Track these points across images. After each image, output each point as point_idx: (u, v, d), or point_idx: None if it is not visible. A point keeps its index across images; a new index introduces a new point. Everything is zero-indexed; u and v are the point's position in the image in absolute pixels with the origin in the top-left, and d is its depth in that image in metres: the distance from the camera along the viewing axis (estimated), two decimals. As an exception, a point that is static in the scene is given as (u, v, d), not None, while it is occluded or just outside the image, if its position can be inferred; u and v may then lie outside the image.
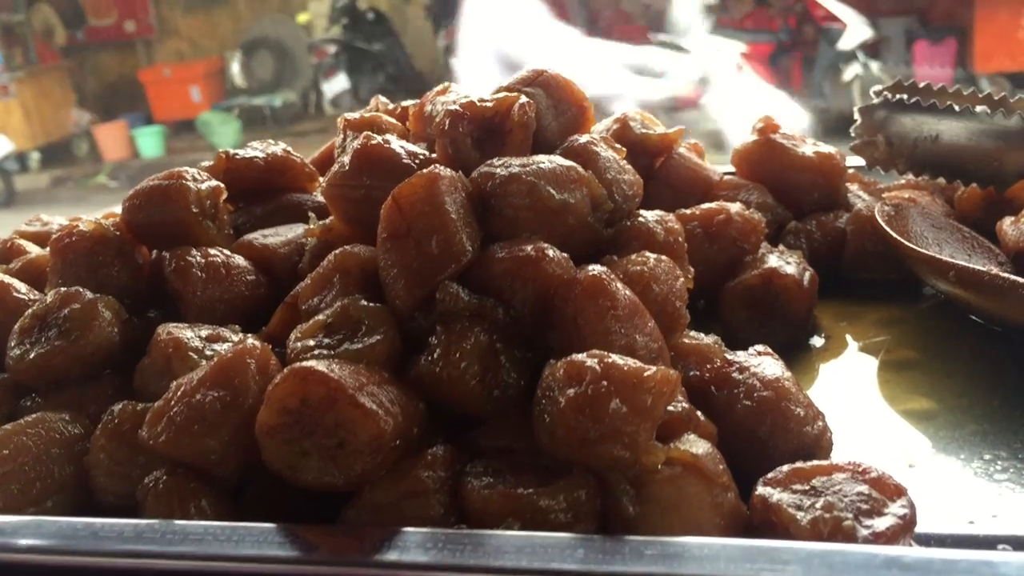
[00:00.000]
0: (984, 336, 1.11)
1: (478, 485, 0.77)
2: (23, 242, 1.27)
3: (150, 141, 12.67)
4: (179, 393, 0.84)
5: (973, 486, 0.84)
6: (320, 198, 1.24)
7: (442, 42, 12.42)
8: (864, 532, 0.70)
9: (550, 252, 0.90)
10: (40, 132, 12.94)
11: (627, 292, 0.87)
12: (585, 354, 0.78)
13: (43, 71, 13.39)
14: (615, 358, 0.77)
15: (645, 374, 0.75)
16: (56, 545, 0.74)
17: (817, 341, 1.16)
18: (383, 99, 1.39)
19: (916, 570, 0.61)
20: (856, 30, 9.25)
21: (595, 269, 0.87)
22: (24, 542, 0.75)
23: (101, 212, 1.42)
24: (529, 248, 0.90)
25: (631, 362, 0.77)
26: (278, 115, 13.32)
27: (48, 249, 1.17)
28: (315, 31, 13.43)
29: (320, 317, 0.90)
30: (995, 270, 1.05)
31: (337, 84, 12.55)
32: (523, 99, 1.04)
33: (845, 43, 9.41)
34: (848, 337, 1.15)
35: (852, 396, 1.03)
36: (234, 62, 14.03)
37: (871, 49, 9.68)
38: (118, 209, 1.17)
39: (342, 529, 0.76)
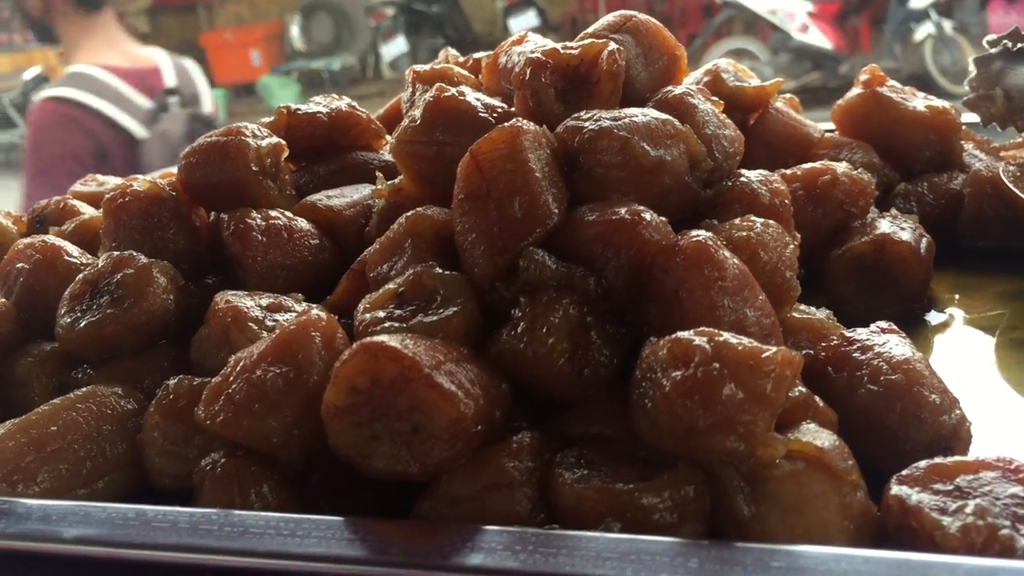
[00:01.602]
0: None
1: (571, 478, 0.68)
2: (76, 203, 1.21)
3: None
4: (238, 368, 0.77)
5: None
6: (387, 157, 1.15)
7: (500, 3, 12.26)
8: (1025, 543, 0.60)
9: (647, 215, 0.80)
10: (104, 96, 13.10)
11: (735, 261, 0.77)
12: (692, 332, 0.68)
13: (106, 35, 13.52)
14: (727, 336, 0.67)
15: (763, 355, 0.66)
16: (105, 536, 0.67)
17: (932, 316, 1.04)
18: (453, 51, 1.30)
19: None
20: (928, -13, 8.92)
21: (699, 235, 0.77)
22: (71, 532, 0.68)
23: (159, 172, 1.35)
24: (623, 211, 0.80)
25: (746, 341, 0.67)
26: (336, 78, 13.33)
27: (102, 210, 1.10)
28: (374, -7, 13.36)
29: (391, 286, 0.82)
30: None
31: (395, 47, 12.49)
32: (612, 46, 0.94)
33: (917, 1, 9.07)
34: (965, 312, 1.04)
35: (976, 379, 0.92)
36: (293, 25, 14.04)
37: (944, 7, 9.32)
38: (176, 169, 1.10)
39: (418, 525, 0.68)
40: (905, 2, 9.20)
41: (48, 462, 0.79)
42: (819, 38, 9.28)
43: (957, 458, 0.68)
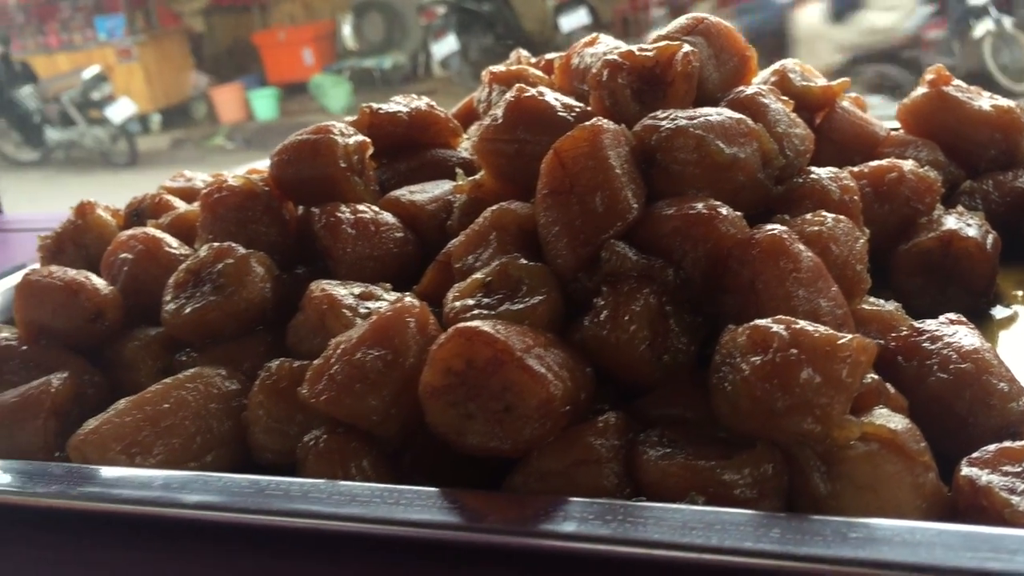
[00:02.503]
0: None
1: (655, 455, 0.72)
2: (170, 197, 1.28)
3: (264, 103, 12.92)
4: (339, 351, 0.82)
5: None
6: (464, 154, 1.20)
7: (551, 1, 12.27)
8: (1092, 522, 0.63)
9: (723, 210, 0.84)
10: (161, 95, 13.35)
11: (809, 253, 0.80)
12: (770, 319, 0.72)
13: (163, 35, 13.78)
14: (804, 324, 0.71)
15: (839, 342, 0.70)
16: (224, 502, 0.73)
17: (998, 311, 1.07)
18: (524, 52, 1.34)
19: None
20: (988, -17, 8.73)
21: (775, 228, 0.81)
22: (192, 498, 0.74)
23: (244, 168, 1.41)
24: (700, 206, 0.84)
25: (822, 329, 0.71)
26: (388, 77, 13.42)
27: (197, 204, 1.17)
28: (424, -8, 13.45)
29: (478, 276, 0.87)
30: None
31: (446, 46, 12.55)
32: (686, 48, 0.98)
33: (976, -3, 8.91)
34: (1033, 307, 1.06)
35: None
36: (345, 24, 14.18)
37: (1004, 3, 9.14)
38: (239, 169, 1.16)
39: (513, 496, 0.73)
40: (964, -1, 9.04)
41: (162, 436, 0.85)
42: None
43: (1025, 443, 0.71)
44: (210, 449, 0.87)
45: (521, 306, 0.83)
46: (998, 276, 1.09)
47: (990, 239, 1.06)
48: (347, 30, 14.13)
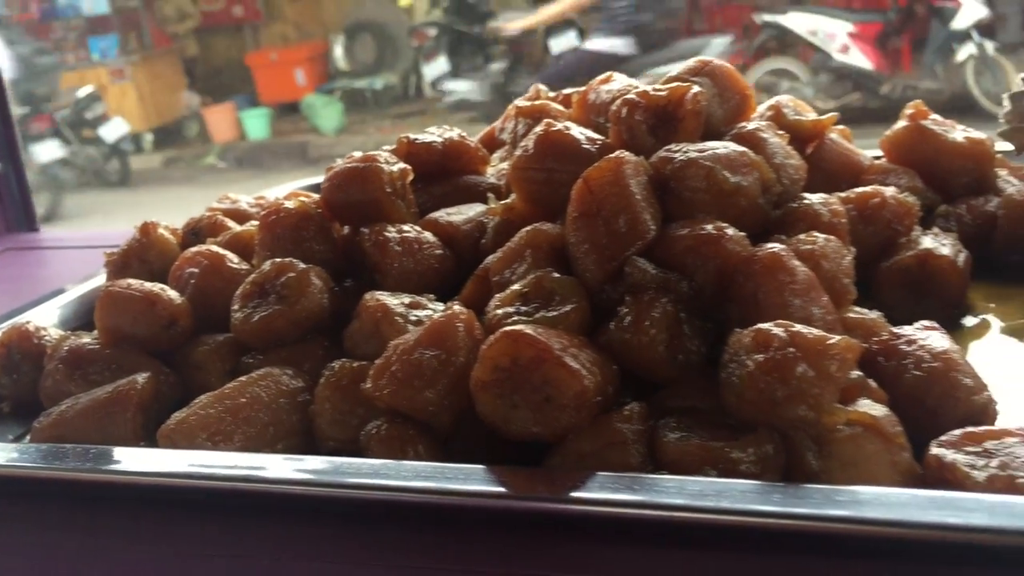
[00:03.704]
0: None
1: (673, 438, 0.85)
2: (224, 218, 1.40)
3: (256, 123, 13.03)
4: (398, 352, 0.95)
5: None
6: (492, 179, 1.34)
7: (542, 24, 12.45)
8: (1038, 490, 0.77)
9: (729, 231, 0.98)
10: (153, 114, 13.44)
11: (803, 268, 0.94)
12: (771, 323, 0.86)
13: (156, 55, 13.88)
14: (800, 327, 0.85)
15: (829, 341, 0.83)
16: (315, 479, 0.86)
17: (968, 320, 1.20)
18: (543, 87, 1.48)
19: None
20: (970, 8, 8.93)
21: (774, 247, 0.94)
22: (280, 475, 0.87)
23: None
24: (709, 227, 0.98)
25: (815, 331, 0.85)
26: (379, 97, 13.55)
27: (250, 224, 1.30)
28: (416, 14, 13.62)
29: (516, 287, 1.00)
30: None
31: (437, 67, 12.72)
32: (696, 88, 1.12)
33: (959, 22, 9.11)
34: (999, 315, 1.20)
35: (1006, 373, 1.08)
36: (337, 45, 14.31)
37: (987, 29, 9.35)
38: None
39: (556, 471, 0.86)
40: (947, 23, 9.23)
41: (241, 426, 0.98)
42: (860, 59, 9.35)
43: (985, 427, 0.85)
44: (281, 438, 1.00)
45: (555, 313, 0.96)
46: (969, 290, 1.23)
47: (962, 257, 1.20)
48: (339, 51, 14.25)
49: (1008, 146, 1.43)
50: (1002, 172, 1.41)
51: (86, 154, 11.76)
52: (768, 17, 9.43)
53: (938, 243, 1.20)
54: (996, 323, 1.20)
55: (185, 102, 13.86)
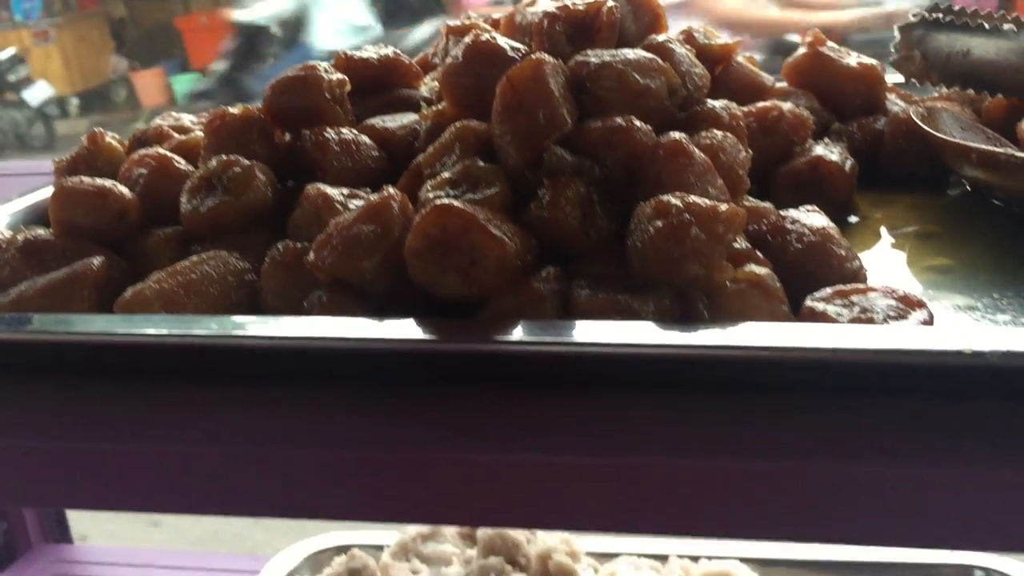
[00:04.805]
0: (1003, 215, 1.29)
1: (584, 294, 0.97)
2: (170, 129, 1.47)
3: (187, 88, 12.83)
4: (338, 228, 1.04)
5: (982, 315, 1.03)
6: (425, 93, 1.43)
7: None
8: (891, 329, 0.90)
9: (637, 123, 1.09)
10: (79, 78, 13.15)
11: (701, 155, 1.06)
12: (669, 194, 0.97)
13: (82, 17, 13.55)
14: (694, 197, 0.96)
15: (719, 208, 0.95)
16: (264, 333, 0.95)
17: (853, 219, 1.34)
18: (474, 14, 1.58)
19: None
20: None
21: (676, 134, 1.06)
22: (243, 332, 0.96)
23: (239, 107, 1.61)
24: (620, 120, 1.09)
25: (707, 200, 0.96)
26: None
27: (194, 134, 1.38)
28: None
29: (445, 174, 1.10)
30: (1011, 150, 1.23)
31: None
32: (610, 3, 1.22)
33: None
34: (881, 216, 1.34)
35: (883, 257, 1.21)
36: (268, 10, 14.11)
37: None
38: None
39: (484, 320, 0.96)
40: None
41: (192, 299, 1.06)
42: None
43: (854, 285, 0.98)
44: (230, 311, 1.09)
45: (480, 195, 1.06)
46: (857, 196, 1.36)
47: (848, 164, 1.33)
48: (271, 15, 14.06)
49: (900, 77, 1.56)
50: (891, 96, 1.55)
51: (9, 118, 11.49)
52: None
53: (828, 151, 1.33)
54: (880, 221, 1.33)
55: (113, 66, 13.57)
